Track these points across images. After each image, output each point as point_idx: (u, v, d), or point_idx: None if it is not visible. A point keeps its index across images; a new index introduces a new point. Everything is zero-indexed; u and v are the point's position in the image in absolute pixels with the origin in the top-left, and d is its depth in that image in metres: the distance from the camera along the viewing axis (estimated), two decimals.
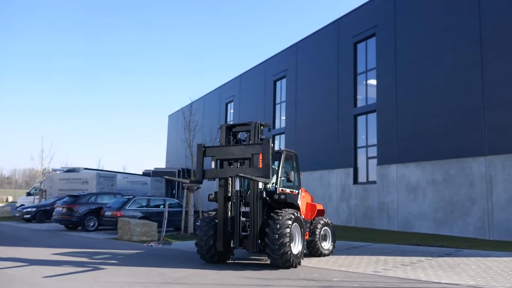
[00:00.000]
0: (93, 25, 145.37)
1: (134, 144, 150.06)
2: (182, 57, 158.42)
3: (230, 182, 9.93)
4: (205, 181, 10.28)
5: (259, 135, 9.90)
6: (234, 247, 9.69)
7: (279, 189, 10.06)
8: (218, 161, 10.12)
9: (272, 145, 9.46)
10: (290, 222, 9.07)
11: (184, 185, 18.51)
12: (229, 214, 9.72)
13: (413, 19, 19.40)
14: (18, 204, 32.12)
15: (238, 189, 9.68)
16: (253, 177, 9.08)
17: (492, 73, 15.71)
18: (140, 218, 17.32)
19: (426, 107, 18.18)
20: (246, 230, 9.50)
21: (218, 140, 10.93)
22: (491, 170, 15.43)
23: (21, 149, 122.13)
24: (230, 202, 9.78)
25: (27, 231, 18.77)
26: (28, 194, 34.10)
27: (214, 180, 10.32)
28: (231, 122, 32.57)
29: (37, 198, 30.12)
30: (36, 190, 31.87)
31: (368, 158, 21.54)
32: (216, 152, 10.08)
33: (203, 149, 10.06)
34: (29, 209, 24.53)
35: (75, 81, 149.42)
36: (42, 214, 23.94)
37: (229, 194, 9.88)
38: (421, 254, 11.36)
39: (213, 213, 10.14)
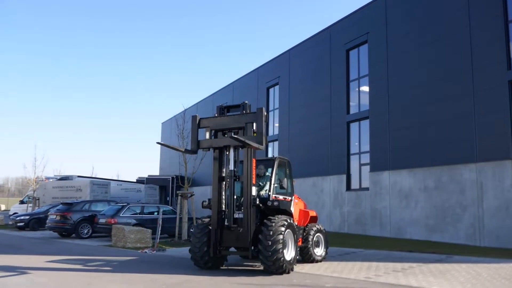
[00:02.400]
0: (87, 27, 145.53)
1: (128, 152, 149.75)
2: (176, 63, 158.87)
3: (225, 154, 10.04)
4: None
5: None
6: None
7: (272, 196, 10.17)
8: (213, 132, 10.25)
9: (265, 113, 9.59)
10: (283, 228, 9.18)
11: (178, 192, 18.58)
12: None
13: (404, 27, 19.64)
14: (11, 212, 31.96)
15: (232, 161, 9.79)
16: (247, 141, 9.12)
17: (482, 81, 15.91)
18: (134, 225, 17.36)
19: (418, 114, 18.37)
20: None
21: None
22: (482, 177, 15.60)
23: (13, 157, 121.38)
24: (223, 207, 9.84)
25: (21, 239, 18.72)
26: (21, 202, 34.03)
27: (209, 150, 10.39)
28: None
29: (30, 206, 30.02)
30: (29, 198, 31.79)
31: (361, 164, 21.70)
32: (210, 122, 10.24)
33: (198, 120, 10.21)
34: (22, 217, 24.45)
35: (67, 87, 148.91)
36: (36, 222, 23.86)
37: (223, 169, 9.96)
38: (413, 260, 11.48)
39: (207, 219, 10.23)
